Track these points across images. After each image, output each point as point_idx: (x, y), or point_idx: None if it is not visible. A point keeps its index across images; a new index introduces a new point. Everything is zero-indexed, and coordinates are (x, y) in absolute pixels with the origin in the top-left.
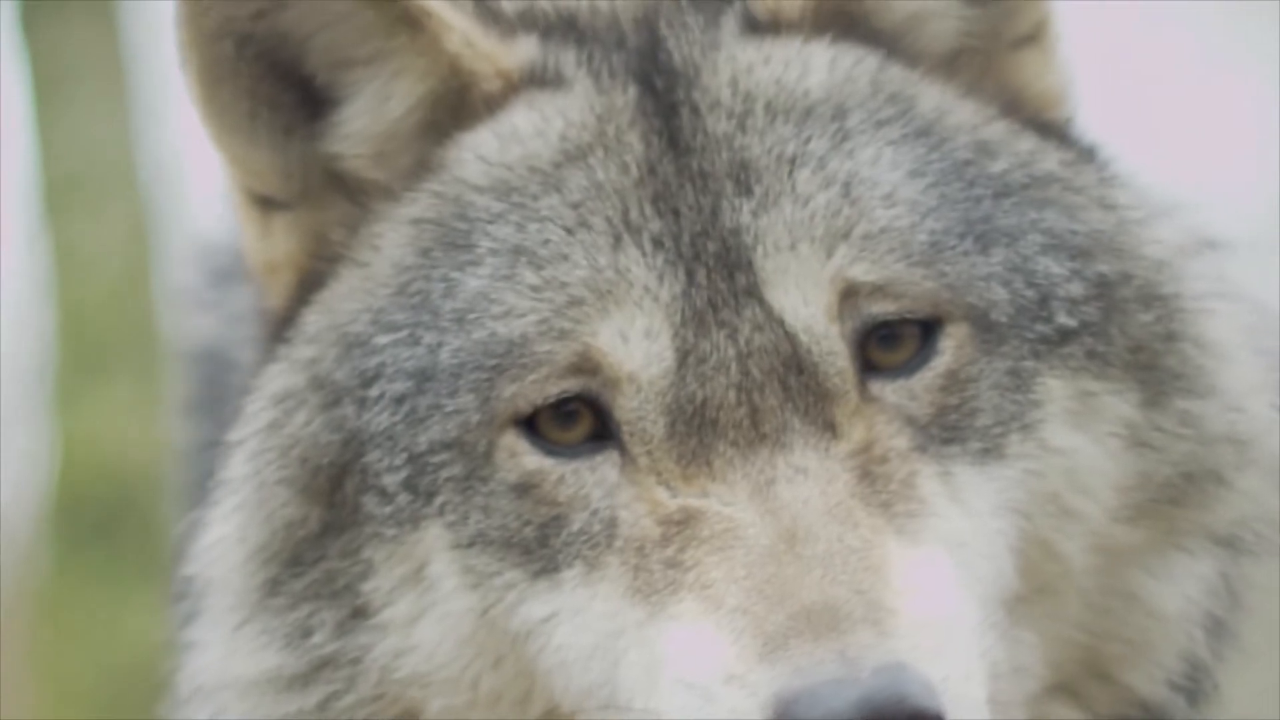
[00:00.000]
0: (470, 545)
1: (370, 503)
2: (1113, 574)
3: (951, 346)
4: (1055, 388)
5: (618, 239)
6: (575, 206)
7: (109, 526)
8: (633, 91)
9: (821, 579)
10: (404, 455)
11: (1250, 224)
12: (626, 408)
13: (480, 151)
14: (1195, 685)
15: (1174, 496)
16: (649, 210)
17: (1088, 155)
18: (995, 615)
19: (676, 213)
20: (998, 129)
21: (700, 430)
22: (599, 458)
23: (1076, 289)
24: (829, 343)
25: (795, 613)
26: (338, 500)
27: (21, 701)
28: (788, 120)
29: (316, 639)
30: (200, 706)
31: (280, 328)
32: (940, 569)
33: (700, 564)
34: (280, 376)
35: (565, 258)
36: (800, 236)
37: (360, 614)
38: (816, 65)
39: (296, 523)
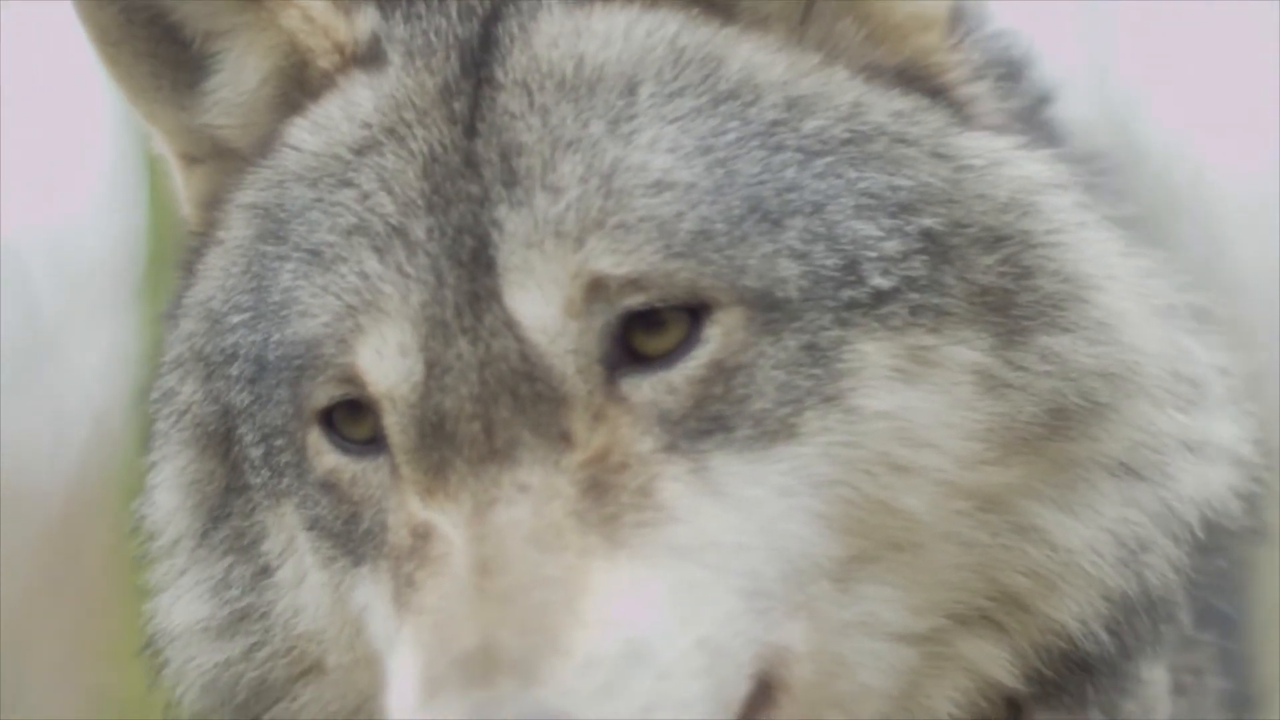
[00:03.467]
0: (311, 529)
1: (248, 472)
2: (1005, 510)
3: (718, 334)
4: (871, 352)
5: (388, 240)
6: (363, 200)
7: None
8: (449, 69)
9: (491, 619)
10: (260, 433)
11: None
12: (387, 421)
13: (298, 137)
14: (1125, 626)
15: (1047, 433)
16: (423, 204)
17: (938, 97)
18: (792, 592)
19: (448, 206)
20: (816, 81)
21: (442, 444)
22: (381, 459)
23: (893, 247)
24: (565, 341)
25: (456, 658)
26: (230, 464)
27: (107, 594)
28: (575, 99)
29: (234, 591)
30: (161, 651)
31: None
32: (657, 586)
33: (422, 587)
34: (174, 345)
35: (344, 260)
36: (548, 232)
37: (265, 571)
38: (617, 35)
39: (204, 479)
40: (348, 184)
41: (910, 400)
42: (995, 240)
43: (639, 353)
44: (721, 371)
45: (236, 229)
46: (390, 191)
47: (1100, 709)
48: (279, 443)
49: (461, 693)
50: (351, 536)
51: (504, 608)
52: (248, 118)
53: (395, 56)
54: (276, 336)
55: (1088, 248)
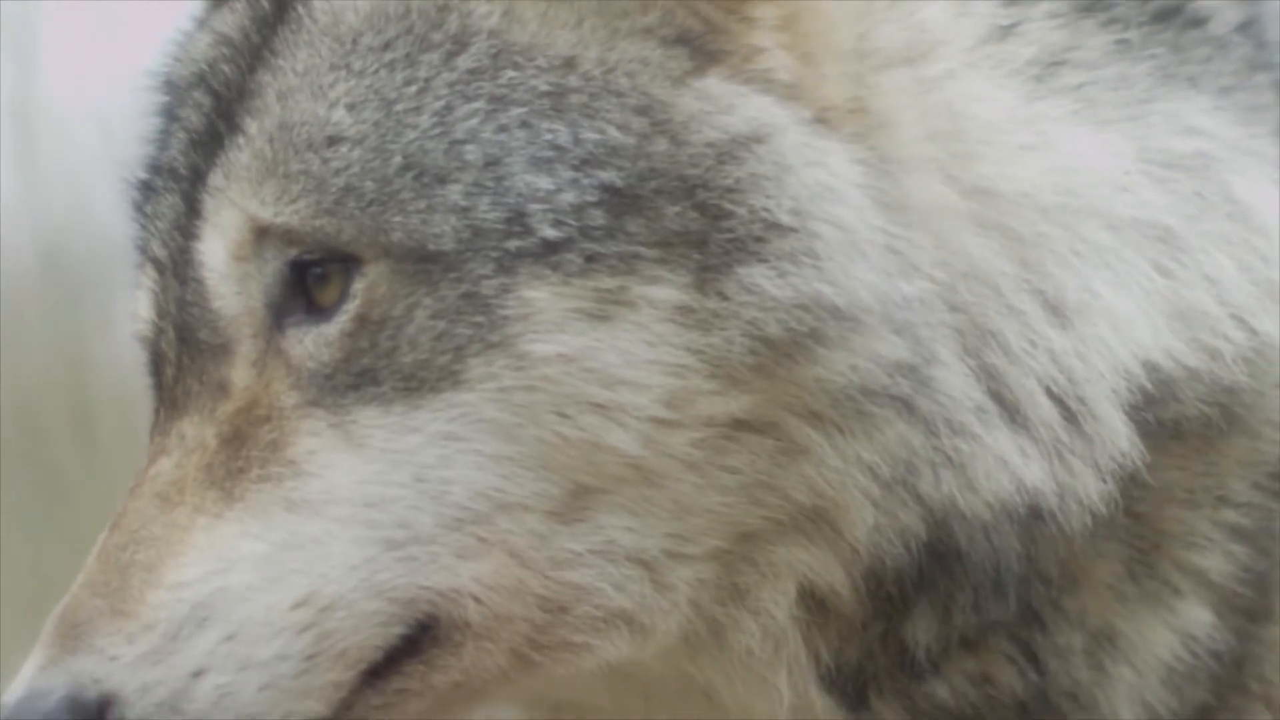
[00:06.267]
0: None
1: None
2: (771, 432)
3: (362, 289)
4: (539, 298)
5: (166, 180)
6: (170, 137)
7: None
8: (269, 3)
9: (86, 579)
10: None
11: None
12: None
13: (169, 67)
14: (968, 537)
15: (767, 361)
16: (193, 143)
17: (687, 42)
18: (465, 534)
19: (205, 146)
20: (531, 31)
21: (157, 389)
22: None
23: (568, 199)
24: (231, 284)
25: (51, 619)
26: None
27: None
28: (311, 45)
29: None
30: None
31: None
32: (258, 544)
33: None
34: None
35: (146, 198)
36: (232, 178)
37: None
38: None
39: None
40: (174, 119)
41: (601, 341)
42: (687, 189)
43: (317, 305)
44: (366, 325)
45: None
46: (185, 130)
47: (987, 610)
48: None
49: (32, 655)
50: None
51: (100, 567)
52: None
53: None
54: None
55: (789, 190)
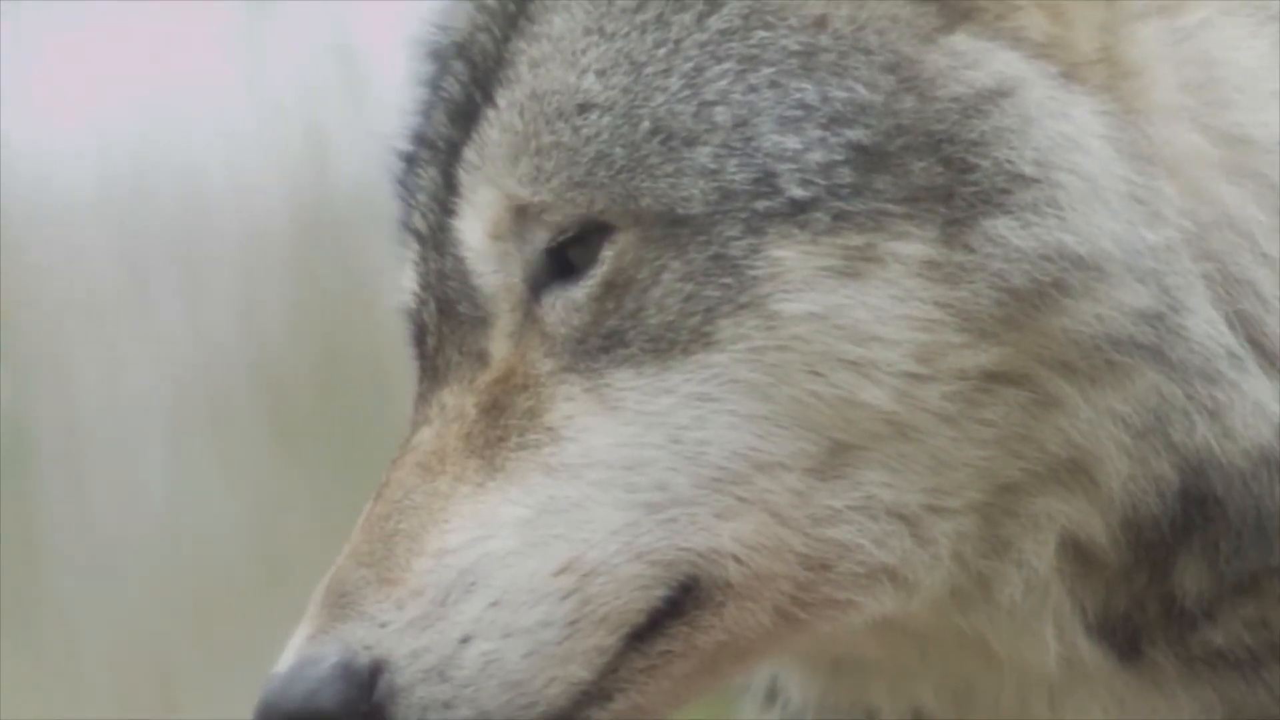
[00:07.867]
0: None
1: None
2: (1025, 384)
3: (611, 255)
4: (787, 257)
5: (428, 152)
6: (431, 108)
7: None
8: None
9: (353, 549)
10: None
11: None
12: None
13: (426, 33)
14: (1230, 487)
15: (1016, 312)
16: (452, 116)
17: (930, 4)
18: (722, 494)
19: (464, 119)
20: None
21: (420, 360)
22: None
23: (816, 158)
24: (490, 262)
25: (319, 589)
26: None
27: None
28: (566, 11)
29: None
30: None
31: None
32: (520, 510)
33: None
34: None
35: (407, 170)
36: (489, 155)
37: None
38: None
39: None
40: (436, 89)
41: (851, 298)
42: (933, 144)
43: (576, 269)
44: (613, 289)
45: None
46: (445, 101)
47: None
48: None
49: (299, 627)
50: None
51: (364, 537)
52: None
53: None
54: None
55: (1032, 142)
